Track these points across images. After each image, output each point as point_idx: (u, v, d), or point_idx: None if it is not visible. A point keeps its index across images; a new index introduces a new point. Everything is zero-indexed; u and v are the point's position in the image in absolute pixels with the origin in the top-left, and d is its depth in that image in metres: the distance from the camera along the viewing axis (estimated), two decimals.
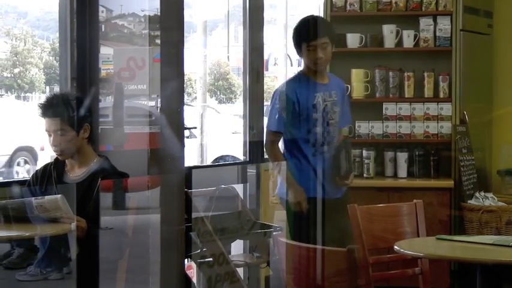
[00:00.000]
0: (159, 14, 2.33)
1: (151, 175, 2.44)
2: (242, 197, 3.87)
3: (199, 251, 2.42)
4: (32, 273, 3.08)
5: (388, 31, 4.96)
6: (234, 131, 9.25)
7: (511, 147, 5.12)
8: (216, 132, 9.93)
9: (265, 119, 4.61)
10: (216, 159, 9.38)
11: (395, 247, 3.04)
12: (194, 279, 2.80)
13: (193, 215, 2.31)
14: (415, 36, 4.94)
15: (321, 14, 5.21)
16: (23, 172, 8.69)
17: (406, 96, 4.95)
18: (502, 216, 4.47)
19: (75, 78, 3.56)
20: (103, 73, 3.79)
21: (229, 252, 3.48)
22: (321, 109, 3.77)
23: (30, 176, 3.25)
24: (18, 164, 8.89)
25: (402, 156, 4.92)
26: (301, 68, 3.94)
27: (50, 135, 3.12)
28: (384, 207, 3.60)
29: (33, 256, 3.12)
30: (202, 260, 2.43)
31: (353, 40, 4.98)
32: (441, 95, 4.92)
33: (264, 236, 3.33)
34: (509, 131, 5.16)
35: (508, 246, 2.95)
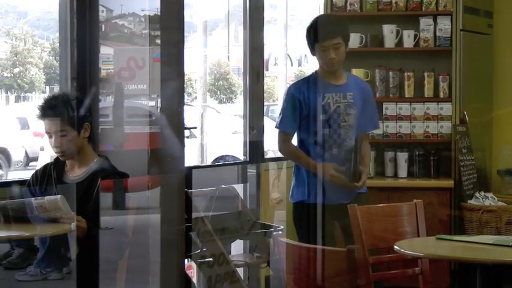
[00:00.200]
0: (159, 13, 2.33)
1: (152, 175, 2.43)
2: (242, 197, 3.87)
3: (199, 251, 2.42)
4: (32, 274, 3.08)
5: (388, 31, 4.96)
6: (234, 131, 9.25)
7: (511, 147, 5.12)
8: (216, 132, 9.93)
9: (265, 119, 4.62)
10: (216, 159, 9.37)
11: (396, 247, 3.04)
12: (194, 279, 2.80)
13: (194, 215, 2.31)
14: (415, 36, 4.94)
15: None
16: None
17: (406, 96, 4.95)
18: (502, 216, 4.47)
19: (75, 78, 3.55)
20: (103, 73, 3.79)
21: (229, 252, 3.48)
22: (332, 110, 3.67)
23: (30, 176, 3.24)
24: None
25: (402, 156, 4.92)
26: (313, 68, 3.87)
27: (50, 137, 3.11)
28: (384, 207, 3.59)
29: (33, 256, 3.11)
30: (202, 260, 2.43)
31: (353, 40, 4.96)
32: (441, 95, 4.92)
33: (264, 236, 3.33)
34: (509, 130, 5.16)
35: (508, 246, 2.95)
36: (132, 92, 3.87)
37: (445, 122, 4.88)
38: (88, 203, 3.01)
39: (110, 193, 3.07)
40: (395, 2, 4.94)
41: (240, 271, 3.75)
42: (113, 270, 2.99)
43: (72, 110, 3.12)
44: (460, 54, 4.85)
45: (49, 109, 3.10)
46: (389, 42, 4.97)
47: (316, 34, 3.69)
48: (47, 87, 12.44)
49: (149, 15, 3.96)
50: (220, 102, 16.10)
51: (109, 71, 3.86)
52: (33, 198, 2.92)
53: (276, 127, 3.78)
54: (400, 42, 4.97)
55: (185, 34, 2.18)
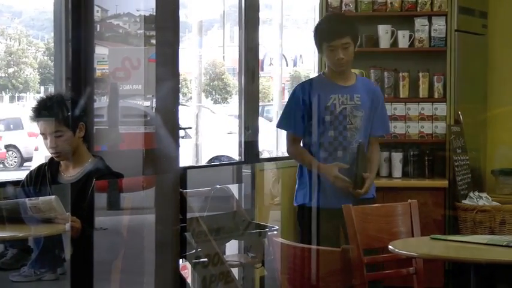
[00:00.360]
0: (154, 14, 2.33)
1: (146, 175, 2.44)
2: (237, 197, 3.87)
3: (194, 251, 2.42)
4: (26, 274, 3.07)
5: (383, 31, 4.96)
6: (229, 131, 9.25)
7: (505, 147, 5.13)
8: (211, 132, 9.93)
9: (260, 119, 4.61)
10: (211, 159, 9.37)
11: (390, 247, 3.04)
12: (189, 280, 2.80)
13: (188, 215, 2.31)
14: (410, 36, 4.95)
15: (316, 15, 5.22)
16: None
17: (401, 96, 4.96)
18: (496, 216, 4.48)
19: (70, 78, 3.55)
20: (98, 73, 3.78)
21: (224, 253, 3.48)
22: (337, 112, 3.63)
23: (24, 176, 3.24)
24: None
25: (397, 156, 4.92)
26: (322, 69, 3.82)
27: (45, 138, 3.10)
28: (379, 207, 3.60)
29: (27, 257, 3.11)
30: (197, 260, 2.43)
31: None
32: (436, 95, 4.93)
33: (258, 236, 3.33)
34: (503, 131, 5.17)
35: (502, 246, 2.96)
36: (127, 92, 3.87)
37: (440, 122, 4.89)
38: (82, 204, 3.00)
39: (104, 193, 3.07)
40: (390, 3, 4.95)
41: (235, 271, 3.75)
42: (108, 270, 2.99)
43: (67, 110, 3.12)
44: (454, 54, 4.87)
45: (44, 110, 3.10)
46: (384, 42, 4.97)
47: (324, 33, 3.64)
48: (42, 87, 12.42)
49: (144, 16, 3.96)
50: (215, 102, 16.09)
51: (104, 71, 3.86)
52: (27, 199, 2.91)
53: (277, 126, 3.76)
54: (395, 43, 4.98)
55: (180, 34, 2.18)
